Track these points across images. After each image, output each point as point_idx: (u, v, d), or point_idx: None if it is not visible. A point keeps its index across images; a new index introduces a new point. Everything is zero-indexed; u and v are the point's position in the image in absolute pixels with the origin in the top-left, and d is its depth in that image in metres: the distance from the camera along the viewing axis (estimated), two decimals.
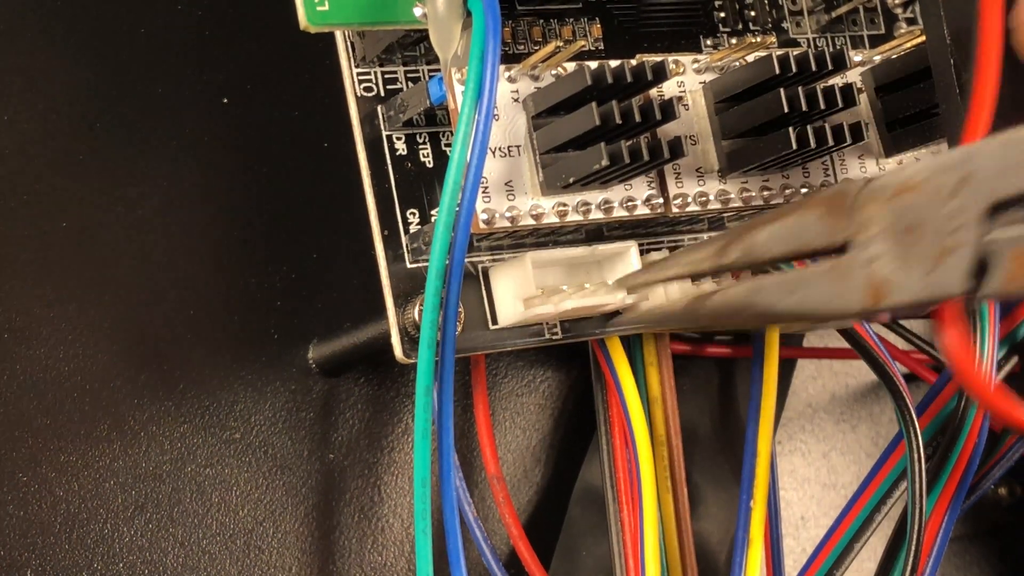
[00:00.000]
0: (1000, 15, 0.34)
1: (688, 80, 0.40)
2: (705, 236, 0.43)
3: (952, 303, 0.28)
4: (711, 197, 0.40)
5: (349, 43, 0.39)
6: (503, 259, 0.40)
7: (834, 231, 0.29)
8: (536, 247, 0.40)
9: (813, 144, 0.38)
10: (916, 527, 0.39)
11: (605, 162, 0.36)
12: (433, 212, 0.39)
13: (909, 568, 0.39)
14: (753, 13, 0.45)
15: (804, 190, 0.41)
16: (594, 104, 0.36)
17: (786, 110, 0.38)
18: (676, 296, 0.36)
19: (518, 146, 0.38)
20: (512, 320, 0.38)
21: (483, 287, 0.39)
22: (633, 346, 0.43)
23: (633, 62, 0.37)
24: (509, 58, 0.40)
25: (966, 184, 0.26)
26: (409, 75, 0.40)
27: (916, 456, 0.39)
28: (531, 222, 0.37)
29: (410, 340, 0.38)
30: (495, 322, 0.39)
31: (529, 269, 0.38)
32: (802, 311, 0.30)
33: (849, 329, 0.40)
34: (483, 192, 0.37)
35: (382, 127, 0.39)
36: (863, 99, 0.42)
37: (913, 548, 0.39)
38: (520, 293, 0.38)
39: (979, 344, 0.39)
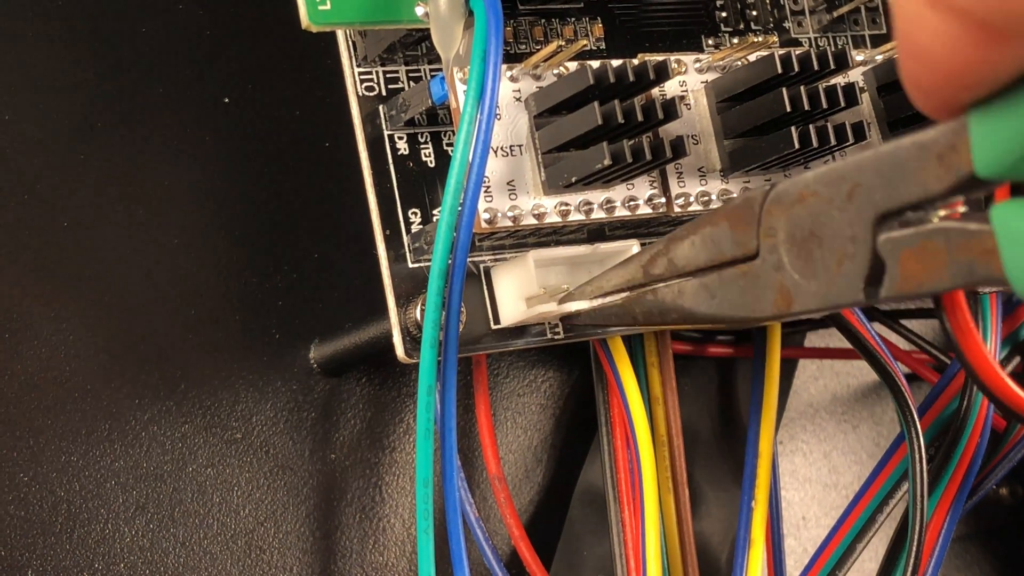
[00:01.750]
0: None
1: (690, 79, 0.40)
2: None
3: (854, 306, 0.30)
4: (713, 197, 0.40)
5: (351, 42, 0.39)
6: (505, 258, 0.39)
7: (745, 240, 0.31)
8: (538, 246, 0.40)
9: (815, 143, 0.38)
10: (917, 528, 0.39)
11: (607, 161, 0.36)
12: (435, 212, 0.39)
13: (910, 569, 0.39)
14: (755, 12, 0.45)
15: None
16: (596, 103, 0.36)
17: (788, 109, 0.38)
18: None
19: (520, 145, 0.38)
20: (514, 319, 0.38)
21: (485, 287, 0.39)
22: (635, 346, 0.43)
23: (635, 61, 0.37)
24: (511, 57, 0.40)
25: (856, 194, 0.28)
26: (411, 74, 0.40)
27: (917, 457, 0.39)
28: (533, 221, 0.37)
29: (412, 340, 0.38)
30: (496, 322, 0.39)
31: (532, 268, 0.38)
32: (719, 315, 0.32)
33: (852, 329, 0.40)
34: (485, 192, 0.37)
35: (384, 126, 0.39)
36: (865, 98, 0.42)
37: (914, 549, 0.39)
38: (522, 292, 0.38)
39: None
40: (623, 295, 0.36)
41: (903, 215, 0.27)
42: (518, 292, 0.38)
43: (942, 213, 0.27)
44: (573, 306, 0.37)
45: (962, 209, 0.27)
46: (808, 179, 0.29)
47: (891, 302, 0.29)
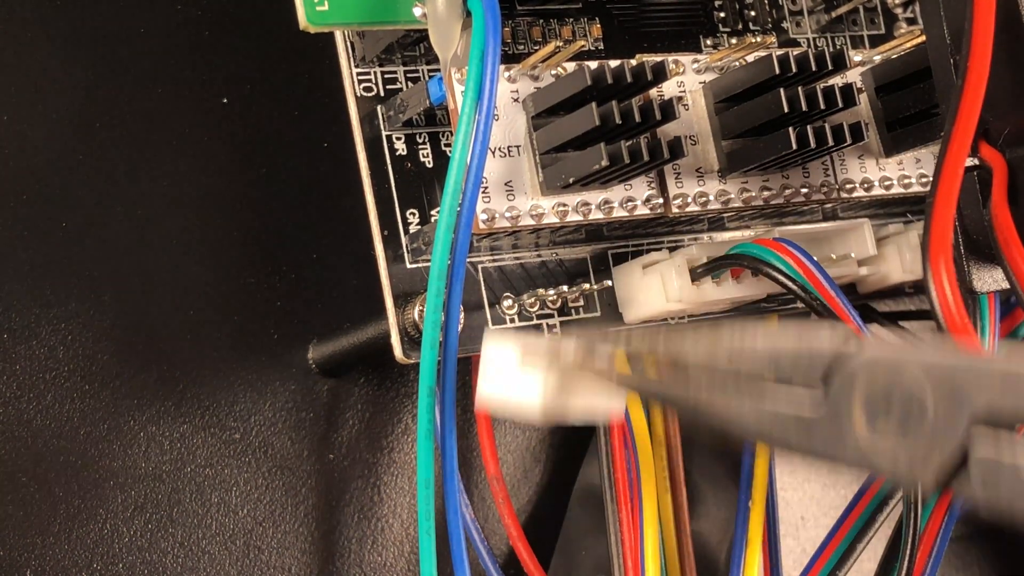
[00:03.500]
0: (992, 13, 0.34)
1: (688, 80, 0.40)
2: (704, 237, 0.43)
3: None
4: (711, 197, 0.40)
5: (349, 43, 0.39)
6: (504, 259, 0.40)
7: (798, 382, 0.30)
8: (537, 247, 0.40)
9: (813, 144, 0.38)
10: (912, 530, 0.39)
11: (605, 162, 0.36)
12: (433, 212, 0.39)
13: (904, 570, 0.39)
14: (753, 13, 0.45)
15: (804, 190, 0.41)
16: (594, 104, 0.36)
17: (786, 110, 0.38)
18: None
19: (518, 146, 0.38)
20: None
21: (483, 287, 0.39)
22: None
23: (633, 62, 0.37)
24: (509, 58, 0.40)
25: (958, 394, 0.28)
26: (409, 75, 0.40)
27: None
28: (531, 222, 0.37)
29: (410, 340, 0.38)
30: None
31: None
32: (805, 448, 0.31)
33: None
34: (483, 192, 0.37)
35: (382, 127, 0.39)
36: (863, 99, 0.42)
37: (908, 551, 0.39)
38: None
39: (980, 344, 0.39)
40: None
41: (998, 423, 0.28)
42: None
43: None
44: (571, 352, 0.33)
45: None
46: (914, 363, 0.29)
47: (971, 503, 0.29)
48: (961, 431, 0.28)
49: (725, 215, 0.41)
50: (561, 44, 0.39)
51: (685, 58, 0.40)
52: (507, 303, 0.39)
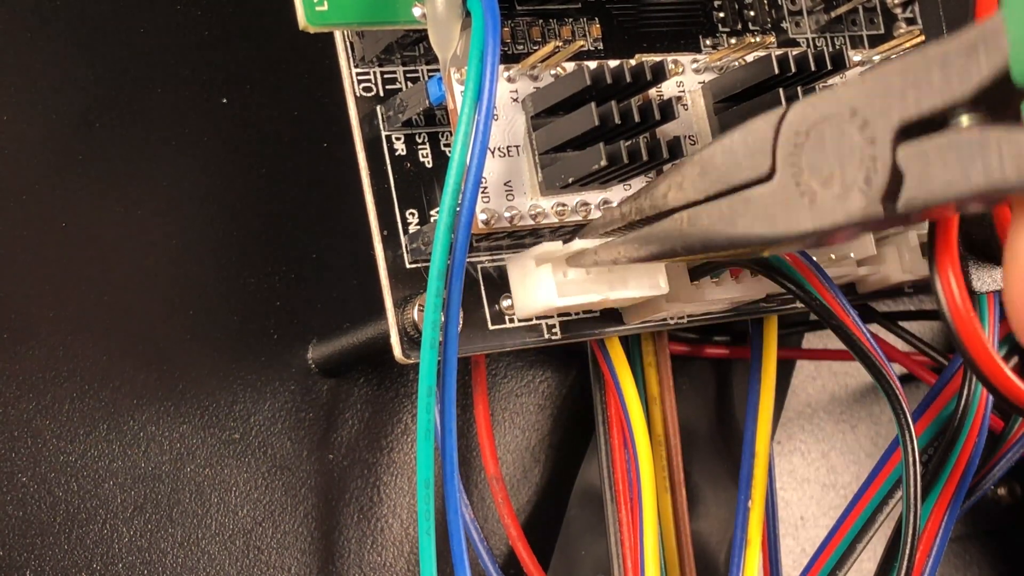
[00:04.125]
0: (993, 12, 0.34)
1: (687, 80, 0.40)
2: None
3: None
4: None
5: (348, 43, 0.39)
6: (503, 259, 0.40)
7: (758, 163, 0.30)
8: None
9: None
10: (911, 531, 0.39)
11: (604, 162, 0.36)
12: (432, 212, 0.39)
13: (904, 570, 0.39)
14: (752, 13, 0.45)
15: None
16: (593, 104, 0.36)
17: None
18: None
19: (517, 146, 0.38)
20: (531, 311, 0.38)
21: (482, 287, 0.39)
22: (632, 346, 0.43)
23: (632, 62, 0.37)
24: (508, 58, 0.40)
25: (874, 108, 0.27)
26: (408, 75, 0.40)
27: (911, 460, 0.39)
28: (530, 222, 0.37)
29: (409, 340, 0.38)
30: (493, 322, 0.39)
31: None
32: (741, 236, 0.31)
33: (846, 331, 0.40)
34: (482, 192, 0.37)
35: (381, 127, 0.39)
36: None
37: (908, 552, 0.39)
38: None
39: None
40: (636, 231, 0.35)
41: (927, 125, 0.27)
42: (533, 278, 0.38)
43: (966, 122, 0.26)
44: (580, 244, 0.37)
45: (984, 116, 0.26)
46: (822, 99, 0.29)
47: (909, 213, 0.28)
48: (889, 147, 0.27)
49: None
50: (560, 44, 0.39)
51: (684, 58, 0.40)
52: (506, 303, 0.39)
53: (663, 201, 0.33)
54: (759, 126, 0.30)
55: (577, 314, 0.40)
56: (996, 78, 0.25)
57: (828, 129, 0.28)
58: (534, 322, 0.40)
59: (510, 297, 0.39)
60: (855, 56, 0.42)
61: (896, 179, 0.27)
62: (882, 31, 0.46)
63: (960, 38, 0.26)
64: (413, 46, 0.40)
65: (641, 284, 0.38)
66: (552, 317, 0.40)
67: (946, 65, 0.26)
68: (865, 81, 0.28)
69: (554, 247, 0.37)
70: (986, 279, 0.38)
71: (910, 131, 0.27)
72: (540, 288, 0.38)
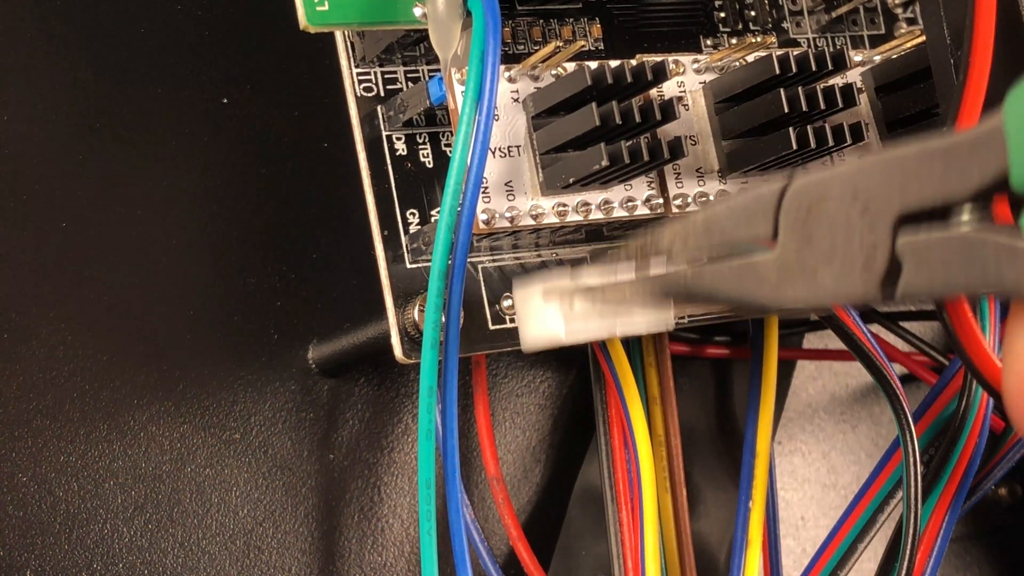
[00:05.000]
0: (993, 12, 0.34)
1: (688, 80, 0.40)
2: None
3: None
4: (711, 198, 0.40)
5: (349, 43, 0.39)
6: (503, 260, 0.40)
7: (760, 232, 0.30)
8: (536, 247, 0.40)
9: (813, 144, 0.38)
10: (912, 532, 0.39)
11: (605, 162, 0.36)
12: (433, 212, 0.39)
13: (904, 571, 0.39)
14: (753, 13, 0.45)
15: None
16: (594, 104, 0.36)
17: (786, 110, 0.38)
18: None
19: (518, 146, 0.38)
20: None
21: (483, 287, 0.39)
22: (633, 347, 0.43)
23: (633, 62, 0.37)
24: (509, 58, 0.40)
25: (876, 195, 0.28)
26: (409, 75, 0.40)
27: (912, 461, 0.39)
28: (531, 222, 0.37)
29: (410, 340, 0.38)
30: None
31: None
32: (742, 299, 0.31)
33: (847, 331, 0.40)
34: (483, 192, 0.37)
35: (382, 127, 0.39)
36: (863, 99, 0.42)
37: (908, 552, 0.39)
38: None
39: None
40: (633, 275, 0.35)
41: (926, 217, 0.27)
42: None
43: (967, 217, 0.27)
44: (588, 281, 0.37)
45: (982, 213, 0.27)
46: (826, 178, 0.29)
47: (906, 301, 0.28)
48: (888, 234, 0.27)
49: None
50: (561, 44, 0.39)
51: (685, 58, 0.40)
52: (507, 303, 0.39)
53: (668, 252, 0.33)
54: (764, 194, 0.30)
55: None
56: (997, 179, 0.25)
57: (830, 208, 0.29)
58: None
59: (511, 297, 0.39)
60: (856, 56, 0.42)
61: (895, 267, 0.28)
62: (883, 31, 0.46)
63: (963, 135, 0.26)
64: (414, 46, 0.40)
65: (648, 320, 0.38)
66: None
67: (948, 160, 0.26)
68: (868, 165, 0.28)
69: (562, 282, 0.37)
70: None
71: (910, 220, 0.27)
72: (548, 324, 0.37)
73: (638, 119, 0.36)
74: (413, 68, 0.40)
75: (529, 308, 0.38)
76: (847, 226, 0.28)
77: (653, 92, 0.39)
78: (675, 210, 0.39)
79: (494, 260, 0.40)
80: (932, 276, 0.27)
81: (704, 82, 0.40)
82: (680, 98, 0.40)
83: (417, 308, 0.38)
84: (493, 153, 0.37)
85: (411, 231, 0.39)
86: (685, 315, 0.42)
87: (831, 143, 0.38)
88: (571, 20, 0.42)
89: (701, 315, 0.42)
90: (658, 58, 0.38)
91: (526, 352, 0.38)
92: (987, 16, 0.34)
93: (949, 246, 0.27)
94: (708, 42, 0.44)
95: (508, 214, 0.37)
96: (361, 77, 0.39)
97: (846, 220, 0.28)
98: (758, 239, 0.30)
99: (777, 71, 0.38)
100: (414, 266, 0.39)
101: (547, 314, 0.37)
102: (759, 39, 0.42)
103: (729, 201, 0.31)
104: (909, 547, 0.39)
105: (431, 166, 0.39)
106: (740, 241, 0.31)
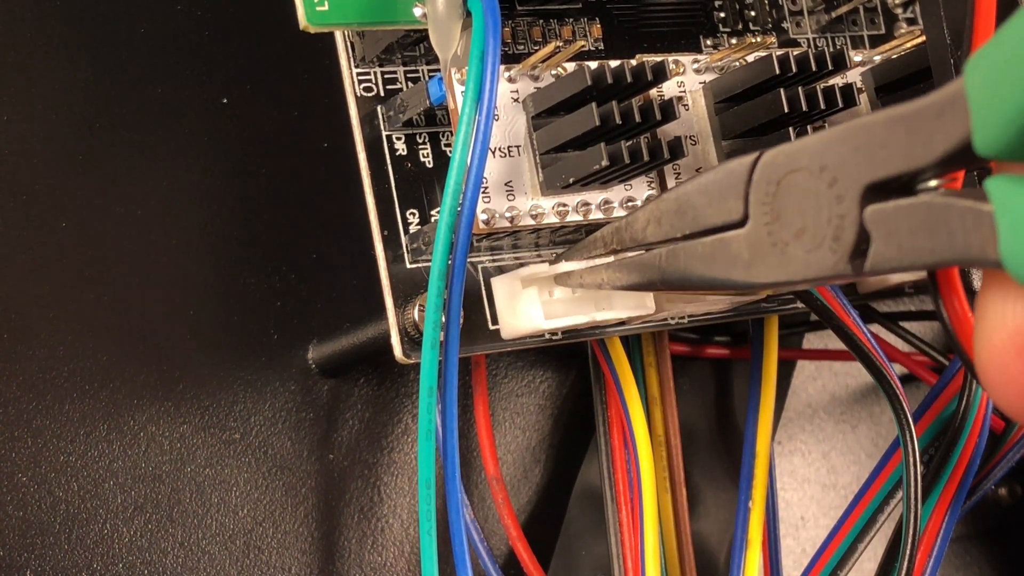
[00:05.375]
0: (993, 12, 0.34)
1: (688, 80, 0.40)
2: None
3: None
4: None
5: (349, 43, 0.39)
6: (503, 260, 0.40)
7: (731, 208, 0.30)
8: (536, 247, 0.40)
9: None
10: (912, 532, 0.39)
11: (605, 162, 0.36)
12: (433, 212, 0.39)
13: (904, 571, 0.39)
14: (753, 13, 0.45)
15: None
16: (594, 104, 0.36)
17: (786, 110, 0.38)
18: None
19: (518, 146, 0.38)
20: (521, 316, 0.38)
21: (483, 287, 0.39)
22: (632, 347, 0.43)
23: (633, 62, 0.37)
24: (509, 58, 0.40)
25: (843, 165, 0.27)
26: (409, 75, 0.40)
27: (912, 461, 0.39)
28: (531, 222, 0.37)
29: (410, 340, 0.38)
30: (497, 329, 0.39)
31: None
32: (715, 279, 0.31)
33: (847, 331, 0.40)
34: (483, 192, 0.37)
35: (382, 127, 0.39)
36: (863, 99, 0.42)
37: (908, 553, 0.39)
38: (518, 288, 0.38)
39: None
40: (610, 258, 0.35)
41: (893, 187, 0.27)
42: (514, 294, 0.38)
43: (932, 184, 0.26)
44: (566, 266, 0.37)
45: (948, 182, 0.26)
46: (794, 150, 0.29)
47: (877, 275, 0.28)
48: (856, 205, 0.27)
49: None
50: (561, 44, 0.39)
51: (685, 58, 0.40)
52: None
53: (642, 235, 0.33)
54: (733, 168, 0.30)
55: None
56: (961, 146, 0.25)
57: (798, 180, 0.28)
58: None
59: None
60: (856, 56, 0.42)
61: (863, 239, 0.27)
62: (883, 31, 0.46)
63: (925, 102, 0.26)
64: (414, 46, 0.40)
65: (627, 304, 0.38)
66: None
67: (912, 129, 0.26)
68: (834, 137, 0.28)
69: (540, 268, 0.37)
70: None
71: (877, 191, 0.27)
72: (527, 311, 0.38)
73: (638, 119, 0.36)
74: (413, 68, 0.40)
75: (508, 296, 0.38)
76: (816, 199, 0.28)
77: (653, 92, 0.39)
78: None
79: (494, 260, 0.40)
80: (900, 246, 0.26)
81: (704, 82, 0.40)
82: (680, 98, 0.40)
83: (417, 308, 0.38)
84: (493, 153, 0.37)
85: (411, 231, 0.39)
86: (685, 315, 0.42)
87: None
88: (571, 20, 0.42)
89: (702, 315, 0.42)
90: (658, 58, 0.38)
91: (506, 339, 0.39)
92: (987, 16, 0.34)
93: (915, 214, 0.26)
94: (708, 42, 0.44)
95: (508, 214, 0.37)
96: (361, 77, 0.39)
97: (815, 193, 0.28)
98: (730, 216, 0.30)
99: (777, 71, 0.38)
100: (414, 266, 0.39)
101: (526, 301, 0.37)
102: (759, 39, 0.42)
103: (700, 177, 0.31)
104: (909, 547, 0.39)
105: (431, 166, 0.39)
106: (712, 219, 0.31)
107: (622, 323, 0.40)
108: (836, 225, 0.28)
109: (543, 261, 0.39)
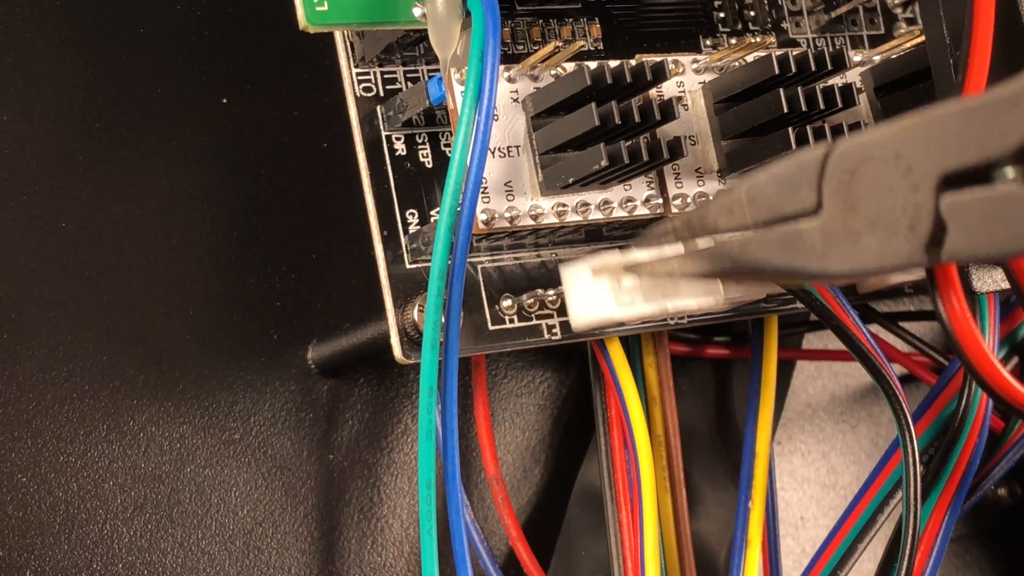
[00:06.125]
0: (992, 12, 0.34)
1: (687, 80, 0.40)
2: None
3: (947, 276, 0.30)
4: (711, 197, 0.40)
5: (348, 43, 0.39)
6: (503, 260, 0.40)
7: (804, 197, 0.30)
8: (536, 247, 0.40)
9: (813, 144, 0.38)
10: (911, 532, 0.39)
11: (604, 163, 0.36)
12: (432, 212, 0.39)
13: (904, 571, 0.39)
14: (753, 13, 0.45)
15: None
16: (593, 104, 0.36)
17: (785, 110, 0.38)
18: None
19: (517, 146, 0.38)
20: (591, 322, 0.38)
21: (482, 287, 0.39)
22: (632, 347, 0.43)
23: (632, 62, 0.37)
24: (508, 58, 0.40)
25: (918, 155, 0.28)
26: (408, 75, 0.40)
27: (911, 461, 0.39)
28: (530, 222, 0.37)
29: (409, 340, 0.38)
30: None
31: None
32: (790, 268, 0.31)
33: (847, 332, 0.40)
34: (482, 192, 0.37)
35: (381, 127, 0.39)
36: (862, 99, 0.42)
37: (908, 553, 0.39)
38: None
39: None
40: (682, 247, 0.35)
41: (969, 177, 0.27)
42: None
43: (1010, 175, 0.26)
44: (637, 255, 0.36)
45: None
46: (868, 140, 0.29)
47: (954, 262, 0.28)
48: (932, 195, 0.27)
49: None
50: (561, 44, 0.39)
51: (685, 58, 0.40)
52: (506, 303, 0.39)
53: (714, 224, 0.33)
54: (807, 158, 0.30)
55: None
56: None
57: (873, 170, 0.29)
58: (534, 322, 0.40)
59: (510, 297, 0.39)
60: (855, 56, 0.42)
61: (940, 229, 0.27)
62: (882, 31, 0.46)
63: (1002, 92, 0.26)
64: (413, 46, 0.40)
65: (695, 291, 0.37)
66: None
67: (987, 119, 0.26)
68: (909, 126, 0.28)
69: (611, 258, 0.37)
70: (986, 280, 0.38)
71: (953, 181, 0.27)
72: (599, 300, 0.37)
73: (637, 119, 0.36)
74: (412, 68, 0.40)
75: (578, 286, 0.37)
76: (890, 189, 0.28)
77: (652, 92, 0.39)
78: (674, 210, 0.39)
79: (494, 260, 0.40)
80: (977, 236, 0.27)
81: (703, 82, 0.40)
82: (679, 98, 0.40)
83: (417, 308, 0.38)
84: (492, 153, 0.37)
85: (411, 231, 0.39)
86: (685, 315, 0.42)
87: None
88: (571, 20, 0.42)
89: (702, 315, 0.42)
90: (657, 58, 0.38)
91: (576, 331, 0.38)
92: (986, 16, 0.34)
93: (993, 205, 0.26)
94: (707, 42, 0.44)
95: (508, 214, 0.37)
96: (360, 77, 0.39)
97: (889, 183, 0.28)
98: (803, 206, 0.30)
99: (776, 71, 0.38)
100: (414, 266, 0.39)
101: (597, 291, 0.37)
102: (758, 39, 0.42)
103: (772, 169, 0.31)
104: (909, 547, 0.39)
105: (431, 166, 0.39)
106: (785, 209, 0.31)
107: (620, 323, 0.40)
108: (912, 215, 0.28)
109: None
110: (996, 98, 0.26)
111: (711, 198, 0.33)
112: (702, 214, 0.33)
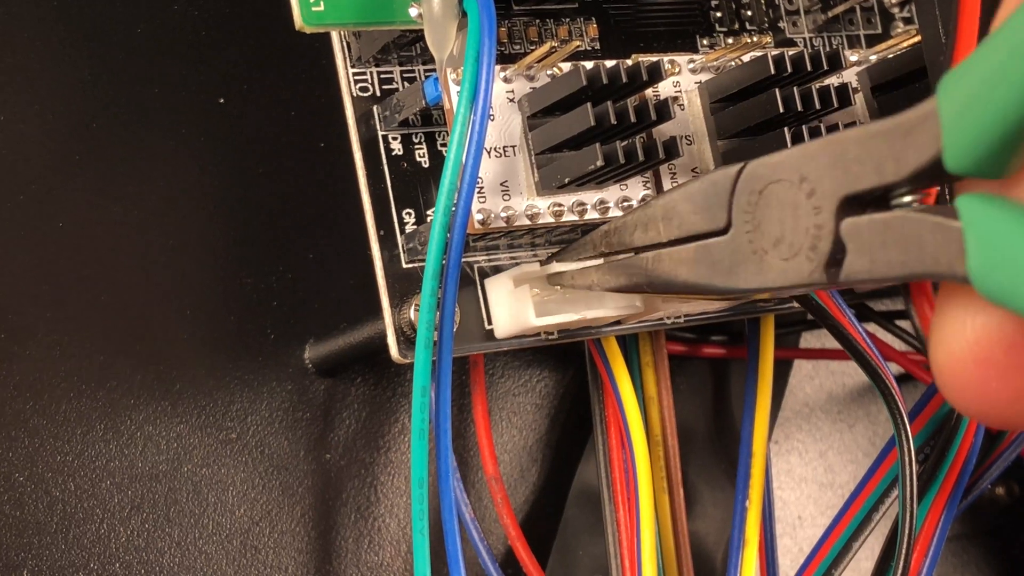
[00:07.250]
0: (976, 13, 0.35)
1: (684, 80, 0.40)
2: None
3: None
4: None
5: (345, 43, 0.39)
6: (500, 260, 0.40)
7: (715, 216, 0.31)
8: (532, 247, 0.40)
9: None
10: (907, 531, 0.39)
11: (600, 163, 0.36)
12: (429, 212, 0.39)
13: (900, 569, 0.39)
14: (749, 13, 0.45)
15: None
16: (589, 104, 0.36)
17: (781, 110, 0.38)
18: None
19: (513, 146, 0.38)
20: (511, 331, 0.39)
21: (479, 287, 0.39)
22: (629, 346, 0.43)
23: (629, 62, 0.37)
24: (505, 58, 0.40)
25: (822, 177, 0.28)
26: (405, 75, 0.40)
27: (907, 460, 0.39)
28: (527, 222, 0.37)
29: (406, 340, 0.38)
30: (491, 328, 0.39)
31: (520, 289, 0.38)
32: (699, 284, 0.32)
33: (842, 330, 0.40)
34: (478, 192, 0.37)
35: (378, 127, 0.39)
36: (859, 99, 0.42)
37: (904, 551, 0.39)
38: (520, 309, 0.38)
39: None
40: (600, 260, 0.36)
41: (868, 200, 0.27)
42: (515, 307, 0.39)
43: (907, 199, 0.27)
44: (557, 267, 0.38)
45: (921, 197, 0.27)
46: (776, 161, 0.29)
47: (851, 285, 0.29)
48: (833, 217, 0.28)
49: None
50: (557, 44, 0.39)
51: (681, 58, 0.40)
52: None
53: (630, 239, 0.34)
54: (718, 178, 0.31)
55: None
56: (932, 163, 0.26)
57: (779, 191, 0.29)
58: None
59: None
60: (852, 56, 0.42)
61: (839, 250, 0.28)
62: (879, 31, 0.46)
63: (900, 119, 0.27)
64: (410, 46, 0.40)
65: (617, 303, 0.39)
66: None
67: (885, 145, 0.27)
68: (814, 149, 0.29)
69: (532, 268, 0.38)
70: None
71: (853, 204, 0.28)
72: (519, 309, 0.38)
73: (633, 119, 0.37)
74: (409, 68, 0.40)
75: (500, 295, 0.39)
76: (794, 210, 0.29)
77: (649, 92, 0.39)
78: None
79: (490, 260, 0.40)
80: (873, 259, 0.27)
81: (700, 82, 0.40)
82: (676, 98, 0.40)
83: (413, 308, 0.38)
84: (488, 153, 0.37)
85: (407, 231, 0.39)
86: (682, 315, 0.42)
87: None
88: (567, 20, 0.42)
89: (698, 314, 0.42)
90: (654, 58, 0.38)
91: (499, 338, 0.39)
92: (971, 18, 0.34)
93: (888, 228, 0.27)
94: (704, 42, 0.44)
95: (504, 214, 0.37)
96: (357, 77, 0.39)
97: (793, 204, 0.29)
98: (714, 225, 0.31)
99: (772, 71, 0.38)
100: (410, 266, 0.39)
101: (518, 300, 0.38)
102: (755, 39, 0.42)
103: (686, 186, 0.32)
104: (905, 546, 0.39)
105: (427, 166, 0.39)
106: (697, 227, 0.32)
107: (617, 322, 0.41)
108: (813, 235, 0.28)
109: (536, 260, 0.39)
110: (895, 124, 0.27)
111: (629, 212, 0.34)
112: (619, 227, 0.35)
